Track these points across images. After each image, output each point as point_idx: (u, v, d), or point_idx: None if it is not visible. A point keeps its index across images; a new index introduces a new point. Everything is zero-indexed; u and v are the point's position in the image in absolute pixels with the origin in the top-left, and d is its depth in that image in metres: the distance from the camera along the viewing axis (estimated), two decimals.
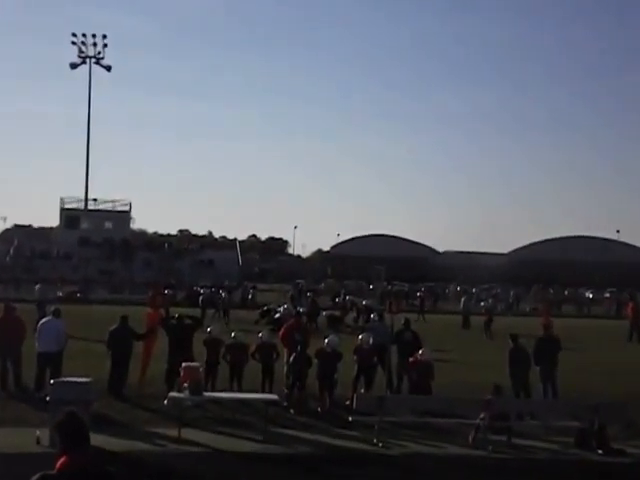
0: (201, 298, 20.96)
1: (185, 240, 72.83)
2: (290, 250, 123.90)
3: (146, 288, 27.32)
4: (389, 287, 39.60)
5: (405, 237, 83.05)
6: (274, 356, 9.04)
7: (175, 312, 9.76)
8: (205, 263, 42.79)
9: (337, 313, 20.56)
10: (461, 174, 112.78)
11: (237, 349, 9.01)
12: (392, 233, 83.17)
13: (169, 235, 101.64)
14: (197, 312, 18.60)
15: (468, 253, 75.84)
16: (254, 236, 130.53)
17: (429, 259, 76.51)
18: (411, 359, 8.35)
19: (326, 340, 8.88)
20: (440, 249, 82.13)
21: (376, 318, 10.29)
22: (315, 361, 8.68)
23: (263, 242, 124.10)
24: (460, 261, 73.49)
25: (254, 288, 29.96)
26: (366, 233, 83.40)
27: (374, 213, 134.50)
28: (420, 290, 33.60)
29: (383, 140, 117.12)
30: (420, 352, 8.41)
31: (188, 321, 9.15)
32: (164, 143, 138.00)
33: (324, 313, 19.61)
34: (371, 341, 9.30)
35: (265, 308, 20.52)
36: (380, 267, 50.37)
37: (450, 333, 19.24)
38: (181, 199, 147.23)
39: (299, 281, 47.75)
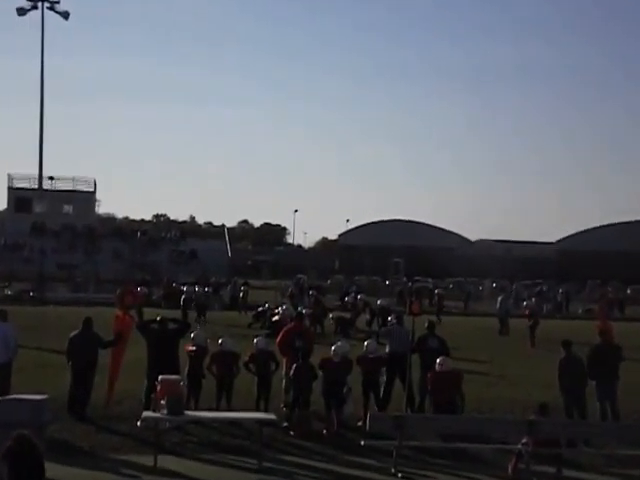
0: (183, 297, 21.01)
1: (162, 227, 73.12)
2: (289, 239, 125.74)
3: (114, 285, 27.68)
4: (409, 283, 39.89)
5: (429, 223, 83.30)
6: (271, 367, 9.15)
7: (155, 314, 9.73)
8: (187, 255, 42.95)
9: (347, 315, 20.59)
10: (494, 149, 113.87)
11: (226, 358, 9.04)
12: (413, 218, 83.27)
13: (143, 221, 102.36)
14: (177, 314, 18.88)
15: (506, 242, 75.78)
16: (245, 222, 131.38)
17: (458, 249, 76.53)
18: (430, 372, 8.48)
19: (333, 347, 8.89)
20: (472, 237, 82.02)
21: (394, 321, 10.24)
22: (320, 373, 8.74)
23: (257, 229, 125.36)
24: (496, 252, 73.43)
25: (246, 285, 30.16)
26: (381, 218, 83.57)
27: (391, 194, 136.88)
28: (439, 287, 33.66)
29: (400, 108, 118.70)
30: (438, 361, 8.31)
31: (173, 325, 9.15)
32: (135, 110, 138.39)
33: (331, 315, 19.69)
34: (387, 349, 9.34)
35: (260, 309, 20.63)
36: (398, 259, 49.80)
37: (484, 339, 19.29)
38: (157, 178, 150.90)
39: (300, 276, 47.86)
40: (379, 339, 11.23)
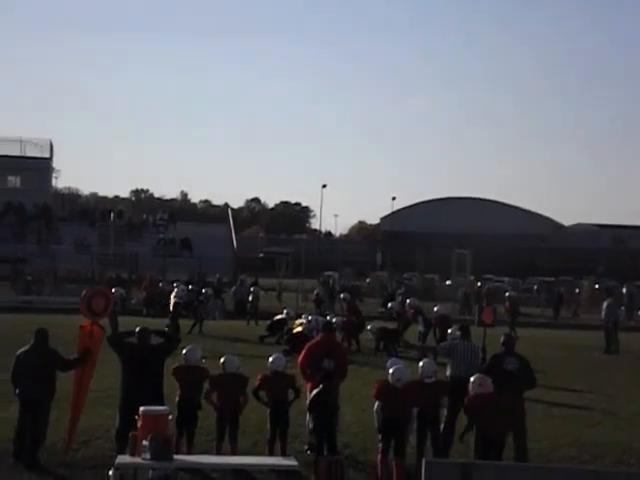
0: (173, 302, 21.21)
1: (144, 207, 73.84)
2: (314, 224, 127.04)
3: (78, 286, 28.08)
4: (478, 283, 39.58)
5: (507, 202, 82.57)
6: (289, 395, 9.20)
7: (135, 324, 9.84)
8: (177, 245, 43.32)
9: (392, 325, 20.53)
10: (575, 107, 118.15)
11: (229, 384, 9.06)
12: (482, 195, 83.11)
13: (118, 199, 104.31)
14: (164, 323, 19.08)
15: (614, 227, 74.71)
16: (256, 201, 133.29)
17: (547, 237, 75.78)
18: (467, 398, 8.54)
19: (391, 370, 8.83)
20: (566, 222, 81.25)
21: (457, 334, 10.32)
22: (377, 405, 8.80)
23: (271, 211, 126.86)
24: (601, 241, 72.39)
25: (256, 285, 30.32)
26: (439, 196, 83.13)
27: (450, 165, 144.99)
28: (516, 288, 33.40)
29: (461, 58, 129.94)
30: (473, 380, 8.41)
31: (157, 339, 9.23)
32: (103, 46, 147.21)
33: (370, 326, 19.65)
34: (449, 372, 9.36)
35: (276, 318, 20.70)
36: (463, 251, 49.62)
37: (583, 361, 19.08)
38: (137, 142, 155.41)
39: (329, 274, 48.06)
40: (437, 358, 11.13)
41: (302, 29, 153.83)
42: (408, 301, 21.14)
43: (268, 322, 20.77)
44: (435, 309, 19.54)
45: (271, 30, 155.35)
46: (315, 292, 32.74)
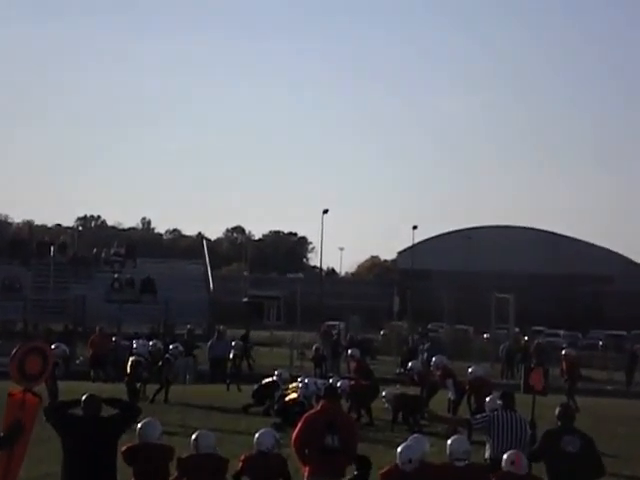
0: (130, 361, 21.11)
1: (94, 239, 73.84)
2: (313, 259, 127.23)
3: (8, 341, 27.83)
4: (525, 338, 39.50)
5: (562, 233, 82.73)
6: None
7: (78, 391, 9.78)
8: (137, 287, 43.25)
9: (412, 391, 20.42)
10: None
11: (203, 468, 9.05)
12: (529, 224, 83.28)
13: (59, 228, 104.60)
14: (119, 389, 18.96)
15: None
16: (239, 230, 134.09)
17: (615, 278, 75.76)
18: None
19: (400, 448, 8.84)
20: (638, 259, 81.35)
21: (497, 403, 10.29)
22: None
23: (258, 242, 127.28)
24: None
25: (246, 339, 30.20)
26: (471, 224, 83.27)
27: (486, 185, 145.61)
28: (573, 344, 33.16)
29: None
30: (505, 457, 8.72)
31: (111, 411, 9.19)
32: (38, 40, 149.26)
33: (385, 392, 19.53)
34: (488, 453, 9.38)
35: (264, 382, 20.59)
36: (505, 295, 49.59)
37: None
38: (82, 156, 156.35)
39: (333, 324, 47.92)
40: (472, 435, 11.01)
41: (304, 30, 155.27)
42: (434, 360, 21.01)
43: (254, 387, 20.65)
44: (469, 370, 19.42)
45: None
46: (314, 347, 32.67)
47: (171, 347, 24.78)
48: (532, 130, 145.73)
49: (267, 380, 20.47)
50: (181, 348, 25.48)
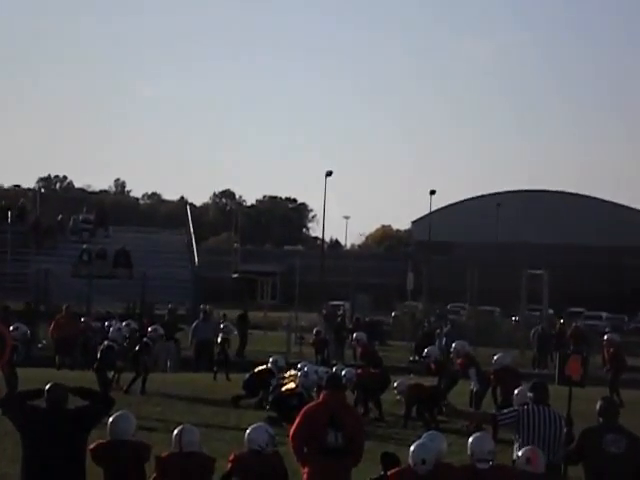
0: (102, 346, 21.16)
1: (59, 203, 73.77)
2: (315, 229, 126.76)
3: None
4: (561, 320, 39.54)
5: (604, 198, 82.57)
6: None
7: (40, 380, 9.80)
8: (109, 260, 43.26)
9: (429, 382, 20.48)
10: None
11: (186, 468, 9.10)
12: (564, 188, 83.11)
13: (18, 190, 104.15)
14: (88, 378, 19.00)
15: None
16: (229, 195, 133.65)
17: None
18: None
19: (413, 447, 8.88)
20: None
21: (528, 396, 10.25)
22: None
23: (251, 209, 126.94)
24: None
25: (243, 322, 30.24)
26: (498, 189, 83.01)
27: (512, 145, 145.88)
28: (620, 329, 33.07)
29: None
30: (520, 453, 8.92)
31: (78, 404, 9.24)
32: None
33: (397, 383, 19.58)
34: (516, 451, 9.29)
35: (256, 370, 20.67)
36: (538, 271, 49.40)
37: None
38: (46, 108, 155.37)
39: (337, 304, 47.92)
40: (498, 432, 11.03)
41: None
42: (454, 345, 21.03)
43: (246, 376, 20.74)
44: (495, 358, 19.45)
45: None
46: (315, 331, 32.77)
47: (150, 329, 24.85)
48: (564, 84, 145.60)
49: (260, 368, 20.53)
50: (161, 331, 25.54)
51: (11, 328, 20.48)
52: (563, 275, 58.19)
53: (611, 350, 25.23)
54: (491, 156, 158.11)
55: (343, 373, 17.73)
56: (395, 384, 19.43)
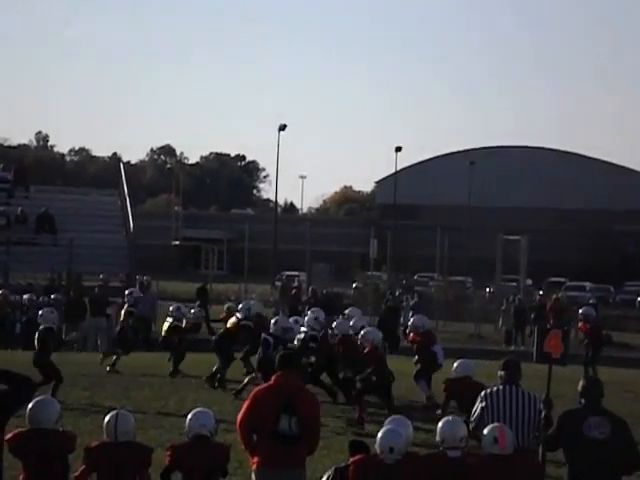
0: (40, 330, 20.91)
1: None
2: (267, 191, 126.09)
3: None
4: (540, 292, 39.80)
5: (586, 154, 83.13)
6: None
7: None
8: (30, 224, 42.95)
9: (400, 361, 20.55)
10: None
11: (119, 460, 9.11)
12: (540, 143, 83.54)
13: None
14: (6, 358, 18.86)
15: None
16: (168, 151, 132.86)
17: None
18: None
19: (380, 433, 8.97)
20: None
21: (499, 375, 10.24)
22: None
23: (194, 167, 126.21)
24: None
25: (203, 295, 30.02)
26: (469, 145, 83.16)
27: (485, 92, 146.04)
28: (604, 300, 33.22)
29: None
30: (486, 431, 8.97)
31: None
32: None
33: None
34: (460, 440, 9.31)
35: (228, 325, 20.61)
36: (515, 237, 49.66)
37: None
38: None
39: (291, 275, 47.80)
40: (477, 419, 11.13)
41: None
42: (412, 320, 20.97)
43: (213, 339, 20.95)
44: (455, 365, 19.10)
45: None
46: (272, 304, 32.73)
47: (52, 297, 24.60)
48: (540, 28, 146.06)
49: (232, 321, 20.55)
50: (87, 302, 25.26)
51: None
52: (543, 241, 58.66)
53: (587, 326, 25.43)
54: (463, 109, 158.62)
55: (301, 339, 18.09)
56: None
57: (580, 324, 25.80)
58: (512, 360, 10.45)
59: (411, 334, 19.67)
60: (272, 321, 19.04)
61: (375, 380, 17.31)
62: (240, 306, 20.79)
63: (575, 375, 10.20)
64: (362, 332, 18.13)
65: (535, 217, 71.46)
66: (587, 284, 57.83)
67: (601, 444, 9.02)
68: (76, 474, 9.12)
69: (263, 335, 18.30)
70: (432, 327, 20.72)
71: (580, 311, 26.96)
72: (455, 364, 16.77)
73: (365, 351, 17.59)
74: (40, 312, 21.80)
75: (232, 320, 20.42)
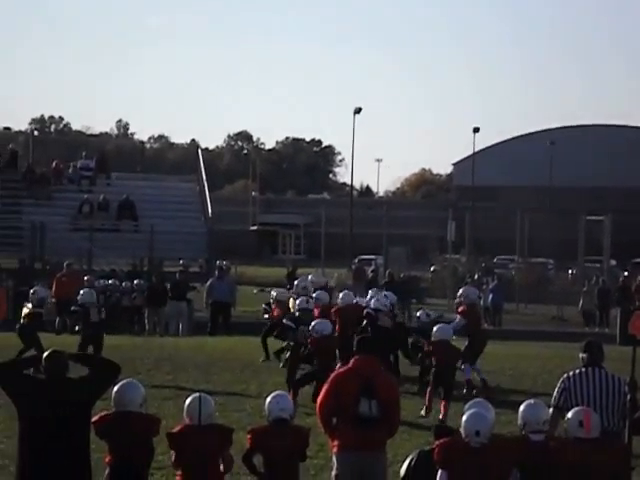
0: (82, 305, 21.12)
1: (54, 147, 74.14)
2: (343, 175, 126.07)
3: None
4: (625, 273, 39.30)
5: None
6: (296, 460, 9.44)
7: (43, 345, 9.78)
8: (112, 211, 43.28)
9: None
10: None
11: (202, 442, 9.16)
12: (631, 122, 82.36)
13: (8, 133, 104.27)
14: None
15: None
16: (245, 137, 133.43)
17: None
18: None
19: (465, 416, 8.90)
20: None
21: (582, 357, 10.10)
22: None
23: (271, 153, 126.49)
24: None
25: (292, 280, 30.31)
26: (552, 124, 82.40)
27: (567, 75, 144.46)
28: None
29: None
30: (571, 416, 8.81)
31: (78, 370, 9.25)
32: None
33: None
34: (543, 423, 9.19)
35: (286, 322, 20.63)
36: (598, 217, 48.80)
37: None
38: (40, 41, 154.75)
39: (367, 258, 47.71)
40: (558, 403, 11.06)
41: None
42: (461, 290, 20.84)
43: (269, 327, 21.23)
44: (435, 329, 18.73)
45: None
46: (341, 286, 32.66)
47: (135, 282, 24.65)
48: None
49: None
50: (170, 290, 25.55)
51: (31, 291, 20.90)
52: (627, 222, 57.79)
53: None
54: (541, 88, 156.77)
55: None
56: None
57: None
58: (594, 341, 10.30)
59: (461, 307, 19.70)
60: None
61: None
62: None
63: None
64: (460, 291, 19.96)
65: (618, 197, 70.47)
66: None
67: None
68: (173, 461, 9.17)
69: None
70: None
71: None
72: (434, 329, 17.10)
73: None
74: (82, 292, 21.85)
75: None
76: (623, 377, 9.69)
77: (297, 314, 18.84)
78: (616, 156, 75.92)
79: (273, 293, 22.60)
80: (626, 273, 38.55)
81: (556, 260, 50.52)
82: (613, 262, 46.47)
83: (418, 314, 20.08)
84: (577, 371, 9.86)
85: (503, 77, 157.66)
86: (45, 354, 9.10)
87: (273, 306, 21.93)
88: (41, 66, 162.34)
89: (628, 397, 9.48)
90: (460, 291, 20.47)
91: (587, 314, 35.42)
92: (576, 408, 9.00)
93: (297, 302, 19.43)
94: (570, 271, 44.97)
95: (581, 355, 10.03)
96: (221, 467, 9.14)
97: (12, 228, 38.78)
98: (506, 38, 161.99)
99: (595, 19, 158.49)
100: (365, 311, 19.01)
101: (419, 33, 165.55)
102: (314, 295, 20.81)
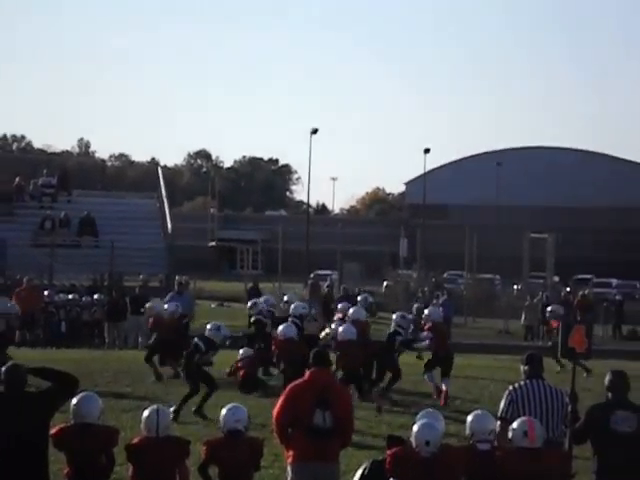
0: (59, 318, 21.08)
1: (16, 165, 73.53)
2: (299, 193, 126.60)
3: None
4: (567, 288, 39.60)
5: (621, 156, 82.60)
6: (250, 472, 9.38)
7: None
8: (73, 227, 43.06)
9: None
10: None
11: (159, 453, 9.10)
12: (566, 144, 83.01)
13: None
14: (52, 356, 18.95)
15: None
16: (204, 155, 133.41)
17: None
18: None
19: (415, 426, 8.88)
20: None
21: (523, 370, 10.11)
22: None
23: (229, 171, 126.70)
24: None
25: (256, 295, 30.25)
26: (498, 146, 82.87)
27: (514, 96, 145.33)
28: (631, 296, 33.11)
29: None
30: (515, 426, 8.81)
31: (41, 386, 9.18)
32: None
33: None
34: (488, 434, 9.25)
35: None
36: (542, 235, 49.25)
37: None
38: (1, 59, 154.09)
39: (323, 274, 47.71)
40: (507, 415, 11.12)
41: None
42: (426, 311, 21.08)
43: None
44: (339, 330, 19.11)
45: None
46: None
47: (95, 297, 24.51)
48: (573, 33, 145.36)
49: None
50: (129, 304, 25.42)
51: None
52: (569, 239, 58.27)
53: (552, 323, 25.23)
54: (491, 110, 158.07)
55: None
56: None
57: (550, 323, 25.78)
58: (534, 354, 10.35)
59: (427, 325, 19.88)
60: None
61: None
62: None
63: (601, 369, 10.09)
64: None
65: (562, 215, 71.07)
66: (614, 280, 57.48)
67: (629, 438, 8.96)
68: (130, 474, 9.15)
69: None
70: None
71: (548, 309, 26.97)
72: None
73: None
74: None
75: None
76: (564, 389, 9.75)
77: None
78: (559, 176, 76.60)
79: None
80: (568, 289, 38.85)
81: (503, 276, 50.81)
82: (556, 278, 46.80)
83: (394, 316, 20.08)
84: (522, 383, 9.87)
85: (453, 99, 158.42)
86: (3, 368, 9.02)
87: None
88: (2, 85, 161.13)
89: (569, 408, 9.55)
90: (425, 312, 20.75)
91: (528, 328, 35.87)
92: (521, 418, 9.04)
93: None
94: (516, 287, 45.24)
95: (522, 367, 10.07)
96: (177, 479, 9.11)
97: None
98: (458, 58, 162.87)
99: (551, 36, 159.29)
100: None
101: (371, 51, 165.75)
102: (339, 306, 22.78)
